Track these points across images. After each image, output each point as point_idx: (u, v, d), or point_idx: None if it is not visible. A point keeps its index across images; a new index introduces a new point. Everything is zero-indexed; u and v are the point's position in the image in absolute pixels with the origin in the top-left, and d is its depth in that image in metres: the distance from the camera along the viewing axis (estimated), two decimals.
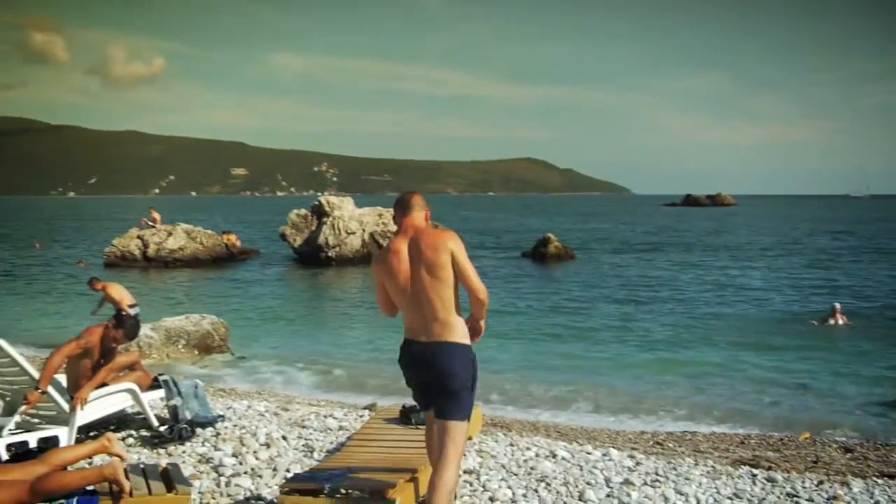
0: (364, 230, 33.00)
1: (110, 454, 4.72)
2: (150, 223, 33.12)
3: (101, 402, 6.81)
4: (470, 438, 6.92)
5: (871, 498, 5.85)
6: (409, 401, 6.59)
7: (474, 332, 4.61)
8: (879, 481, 6.60)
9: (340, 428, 7.55)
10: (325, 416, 8.21)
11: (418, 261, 4.45)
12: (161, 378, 7.37)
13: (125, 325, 6.90)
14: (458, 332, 4.49)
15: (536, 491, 5.61)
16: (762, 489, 5.95)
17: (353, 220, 33.04)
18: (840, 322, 17.15)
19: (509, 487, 5.65)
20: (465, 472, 5.87)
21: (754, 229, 63.16)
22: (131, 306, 12.61)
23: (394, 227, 32.91)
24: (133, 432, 7.20)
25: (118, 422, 7.43)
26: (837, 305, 17.74)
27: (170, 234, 32.53)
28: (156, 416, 7.24)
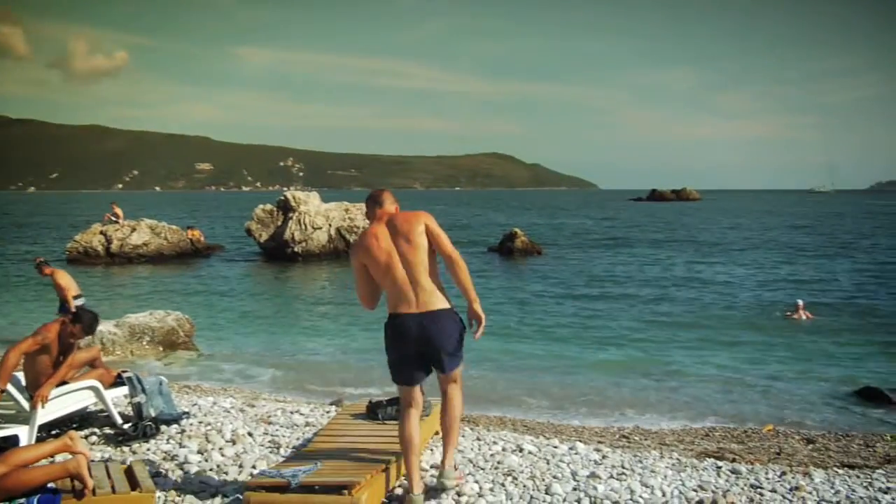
0: (330, 225, 32.87)
1: (73, 453, 4.66)
2: (114, 218, 32.73)
3: (62, 400, 6.72)
4: (437, 433, 6.92)
5: (832, 488, 5.93)
6: (376, 396, 6.57)
7: (475, 318, 5.02)
8: (840, 471, 6.70)
9: (307, 424, 7.52)
10: (292, 412, 8.16)
11: (396, 235, 4.90)
12: (125, 375, 7.28)
13: (83, 320, 6.79)
14: (441, 296, 4.95)
15: (503, 485, 5.62)
16: (726, 481, 6.02)
17: (319, 215, 32.90)
18: (803, 317, 17.39)
19: (476, 482, 5.65)
20: (430, 466, 5.87)
21: (718, 224, 63.78)
22: (76, 297, 12.42)
23: (359, 222, 32.93)
24: (96, 430, 7.11)
25: (80, 419, 7.34)
26: (800, 302, 18.01)
27: (133, 229, 32.17)
28: (119, 413, 7.15)
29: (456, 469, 5.41)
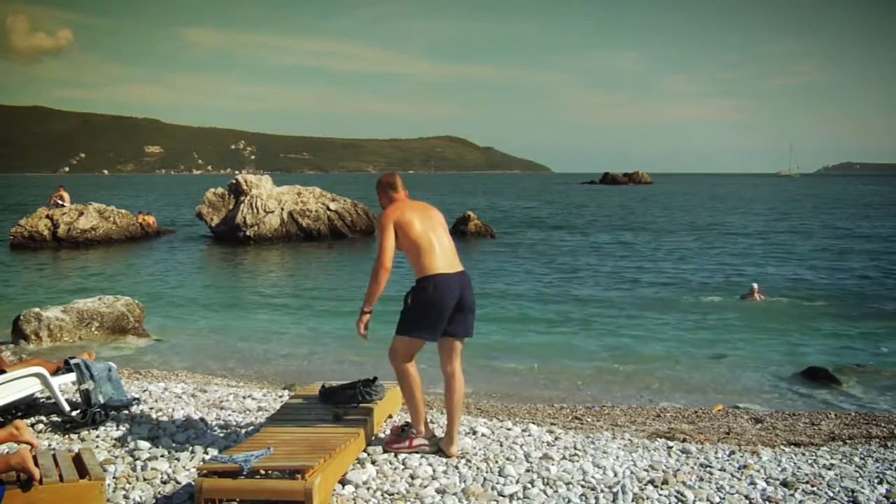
0: (283, 209, 32.63)
1: (19, 442, 4.57)
2: (60, 202, 32.10)
3: (4, 388, 6.58)
4: (390, 416, 6.93)
5: (779, 465, 6.05)
6: (329, 381, 6.56)
7: None
8: (786, 449, 6.84)
9: (259, 409, 7.47)
10: (244, 397, 8.10)
11: (427, 216, 5.71)
12: (72, 361, 7.14)
13: None
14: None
15: (457, 467, 5.64)
16: (677, 460, 6.11)
17: (271, 198, 32.64)
18: (758, 299, 17.67)
19: (430, 465, 5.67)
20: (384, 450, 5.87)
21: (671, 207, 64.54)
22: None
23: (311, 205, 32.77)
24: (43, 418, 6.99)
25: (26, 407, 7.20)
26: (755, 285, 18.27)
27: (81, 213, 31.58)
28: (67, 400, 7.03)
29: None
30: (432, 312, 5.57)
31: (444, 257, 5.59)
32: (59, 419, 6.87)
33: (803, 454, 6.58)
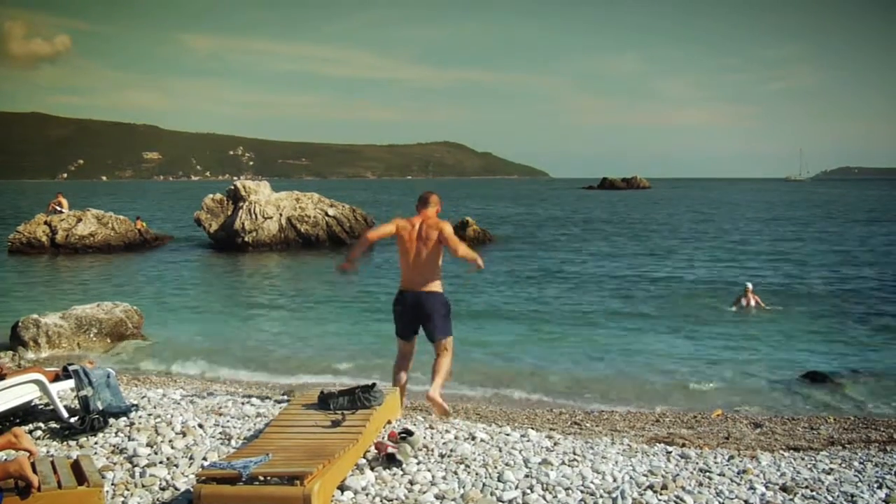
0: (281, 215, 32.60)
1: (17, 449, 4.56)
2: (58, 208, 32.07)
3: (3, 395, 6.57)
4: (389, 422, 6.92)
5: (778, 470, 6.05)
6: (328, 386, 6.55)
7: (476, 262, 6.86)
8: (786, 454, 6.84)
9: (258, 415, 7.46)
10: (243, 403, 8.09)
11: (420, 236, 6.94)
12: (71, 368, 7.14)
13: None
14: (436, 286, 7.04)
15: (456, 473, 5.64)
16: (676, 465, 6.10)
17: (269, 204, 32.61)
18: (752, 302, 17.64)
19: (428, 470, 5.66)
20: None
21: (670, 211, 64.57)
22: None
23: (310, 211, 32.80)
24: (41, 424, 6.98)
25: (25, 414, 7.19)
26: (749, 285, 18.21)
27: (79, 219, 31.55)
28: (66, 407, 7.02)
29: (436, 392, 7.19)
30: (395, 316, 7.37)
31: (410, 277, 7.09)
32: (58, 426, 6.87)
33: (802, 459, 6.58)
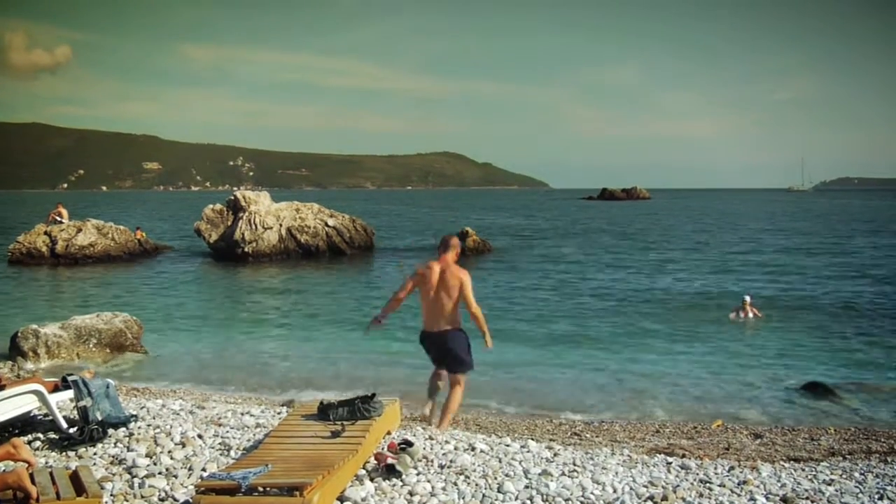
0: (281, 225, 32.61)
1: (16, 460, 4.56)
2: (58, 218, 32.09)
3: (2, 406, 6.56)
4: (389, 433, 6.91)
5: (779, 481, 6.04)
6: (328, 397, 6.54)
7: (487, 343, 7.73)
8: (786, 465, 6.83)
9: (257, 425, 7.44)
10: (242, 414, 8.08)
11: (442, 281, 7.50)
12: (70, 378, 7.12)
13: None
14: (456, 324, 7.64)
15: (455, 484, 5.62)
16: (676, 476, 6.09)
17: (269, 214, 32.63)
18: (751, 314, 17.65)
19: (428, 481, 5.65)
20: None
21: (671, 222, 64.60)
22: None
23: (310, 221, 32.79)
24: (40, 435, 6.95)
25: (24, 424, 7.17)
26: (747, 298, 18.23)
27: (79, 229, 31.56)
28: (65, 417, 7.00)
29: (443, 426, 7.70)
30: (426, 350, 7.95)
31: (432, 319, 7.66)
32: (57, 437, 6.85)
33: (803, 470, 6.57)
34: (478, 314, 7.61)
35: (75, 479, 4.76)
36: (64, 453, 6.47)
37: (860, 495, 5.75)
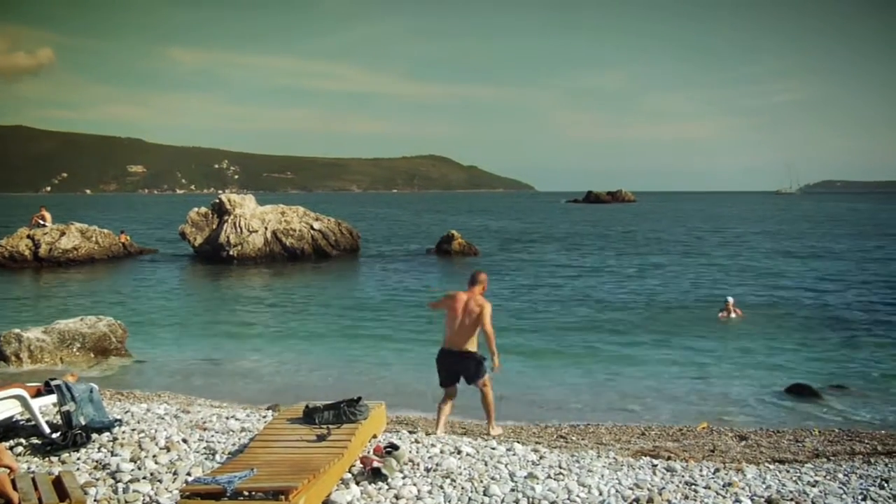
0: (266, 228, 32.53)
1: None
2: (41, 222, 31.88)
3: None
4: (375, 437, 6.90)
5: (764, 483, 6.06)
6: (313, 401, 6.53)
7: (495, 365, 8.31)
8: (771, 467, 6.85)
9: (243, 429, 7.41)
10: (228, 418, 8.04)
11: (466, 310, 8.32)
12: (53, 383, 7.08)
13: None
14: (472, 346, 8.38)
15: (442, 487, 5.62)
16: (662, 478, 6.10)
17: (255, 217, 32.55)
18: (734, 315, 17.74)
19: (414, 485, 5.64)
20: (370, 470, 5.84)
21: (655, 226, 64.80)
22: None
23: (295, 224, 32.71)
24: (23, 440, 6.90)
25: (6, 430, 7.11)
26: (730, 299, 18.33)
27: (63, 233, 31.37)
28: (48, 422, 6.95)
29: (494, 428, 8.66)
30: (438, 368, 8.61)
31: (452, 339, 8.40)
32: (39, 442, 6.79)
33: (788, 471, 6.59)
34: (490, 335, 8.23)
35: (58, 484, 4.73)
36: (47, 458, 6.42)
37: (844, 496, 5.78)
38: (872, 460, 7.22)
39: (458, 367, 8.44)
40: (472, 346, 8.41)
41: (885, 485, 6.12)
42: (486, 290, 8.64)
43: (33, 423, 6.92)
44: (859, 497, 5.77)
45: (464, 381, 8.56)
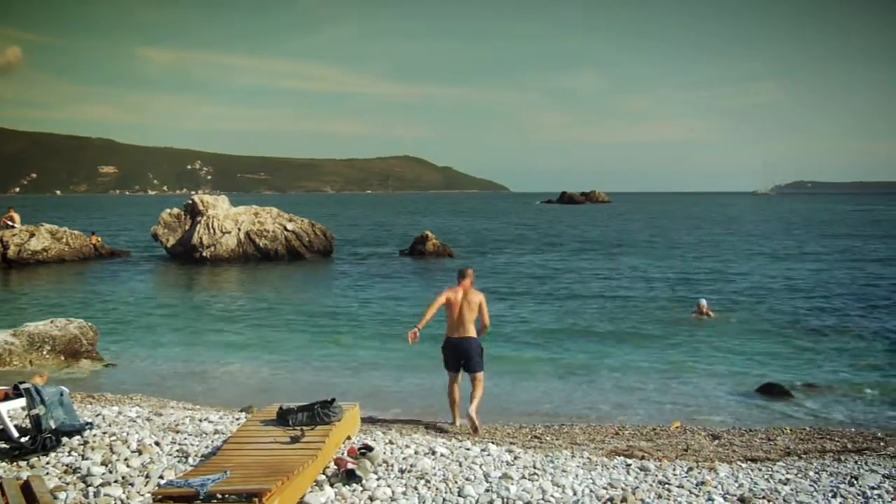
0: (240, 229, 32.37)
1: None
2: (10, 223, 31.51)
3: None
4: (349, 438, 6.87)
5: (736, 481, 6.11)
6: (287, 402, 6.50)
7: (485, 328, 9.40)
8: (743, 465, 6.91)
9: (216, 431, 7.36)
10: (200, 420, 7.99)
11: (465, 300, 9.17)
12: (22, 386, 6.98)
13: None
14: (473, 332, 9.22)
15: (416, 488, 5.61)
16: (636, 478, 6.13)
17: (228, 218, 32.38)
18: (705, 317, 17.89)
19: (388, 486, 5.63)
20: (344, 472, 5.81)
21: (628, 227, 65.16)
22: None
23: (269, 226, 32.57)
24: None
25: None
26: (703, 301, 18.47)
27: (32, 234, 31.03)
28: (16, 426, 6.86)
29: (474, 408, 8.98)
30: (445, 356, 9.41)
31: (455, 326, 9.20)
32: (7, 446, 6.70)
33: (760, 470, 6.65)
34: (488, 326, 9.44)
35: (27, 489, 4.67)
36: (15, 463, 6.34)
37: (815, 493, 5.83)
38: (843, 458, 7.30)
39: (463, 352, 9.19)
40: (473, 332, 9.24)
41: (855, 482, 6.19)
42: (474, 284, 9.40)
43: (1, 427, 6.82)
44: (830, 494, 5.82)
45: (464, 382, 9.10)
